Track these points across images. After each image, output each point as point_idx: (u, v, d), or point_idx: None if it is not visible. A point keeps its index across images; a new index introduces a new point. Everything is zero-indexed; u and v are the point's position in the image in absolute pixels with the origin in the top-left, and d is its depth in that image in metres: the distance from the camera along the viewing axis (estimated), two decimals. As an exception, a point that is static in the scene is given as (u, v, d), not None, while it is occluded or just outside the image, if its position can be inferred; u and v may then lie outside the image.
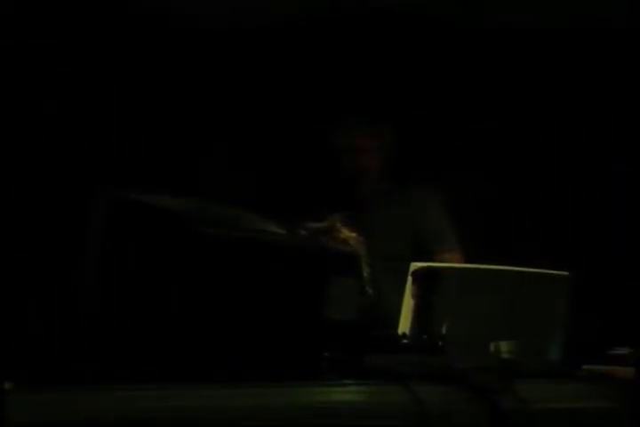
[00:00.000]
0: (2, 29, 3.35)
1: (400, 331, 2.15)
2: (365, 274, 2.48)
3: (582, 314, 2.61)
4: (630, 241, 4.37)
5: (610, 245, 4.30)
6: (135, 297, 1.72)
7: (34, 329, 1.75)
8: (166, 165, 3.53)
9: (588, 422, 1.95)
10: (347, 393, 1.79)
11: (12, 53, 3.38)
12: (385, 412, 1.76)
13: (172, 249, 1.74)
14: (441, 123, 4.15)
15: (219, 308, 1.74)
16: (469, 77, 4.19)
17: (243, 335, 1.76)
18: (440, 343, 2.08)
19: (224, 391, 1.68)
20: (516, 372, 1.99)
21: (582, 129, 4.33)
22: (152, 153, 3.50)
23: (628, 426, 1.96)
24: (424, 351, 2.05)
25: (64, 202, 3.07)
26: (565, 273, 2.36)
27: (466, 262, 3.15)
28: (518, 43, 4.09)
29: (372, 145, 3.36)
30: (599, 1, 3.83)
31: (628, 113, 4.36)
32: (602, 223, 4.35)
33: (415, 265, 2.18)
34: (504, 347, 2.07)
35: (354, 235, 2.69)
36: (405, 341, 2.10)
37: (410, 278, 2.15)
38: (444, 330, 2.12)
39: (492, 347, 2.08)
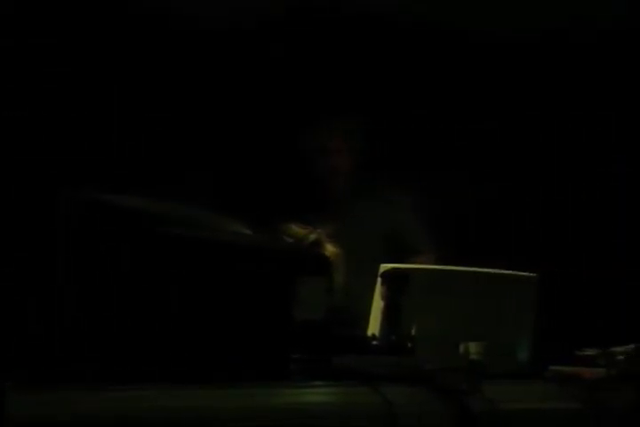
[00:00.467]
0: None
1: (369, 332, 2.15)
2: (335, 275, 2.50)
3: (550, 315, 2.62)
4: (598, 242, 4.40)
5: (578, 247, 4.33)
6: (98, 297, 1.71)
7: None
8: (143, 167, 3.52)
9: (555, 422, 1.96)
10: (315, 394, 1.79)
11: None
12: (353, 413, 1.76)
13: (138, 249, 1.74)
14: (413, 123, 4.16)
15: (186, 309, 1.73)
16: (444, 78, 4.20)
17: (211, 337, 1.76)
18: (409, 344, 2.09)
19: (192, 392, 1.68)
20: (484, 373, 2.00)
21: (561, 126, 4.36)
22: (119, 153, 3.48)
23: (594, 426, 1.98)
24: (393, 352, 2.06)
25: (27, 202, 3.05)
26: (533, 275, 2.38)
27: (438, 263, 3.16)
28: (497, 42, 4.11)
29: (345, 146, 3.37)
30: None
31: (614, 113, 4.40)
32: (570, 225, 4.38)
33: (384, 266, 2.19)
34: (472, 348, 2.08)
35: (337, 251, 2.70)
36: (374, 342, 2.11)
37: (379, 280, 2.16)
38: (413, 331, 2.12)
39: (460, 348, 2.09)
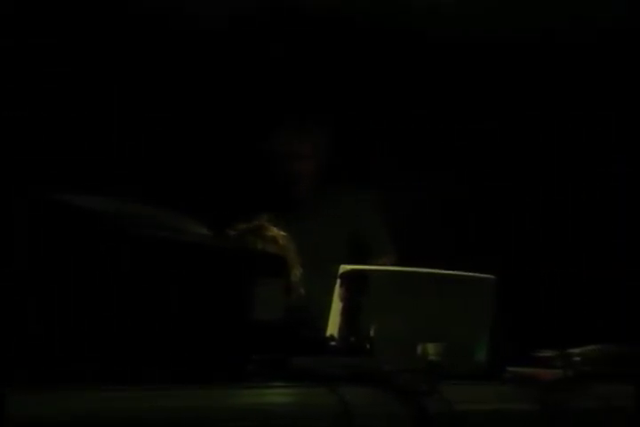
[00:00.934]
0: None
1: (328, 333, 2.15)
2: (293, 276, 2.49)
3: (508, 316, 2.64)
4: (556, 243, 4.44)
5: (536, 248, 4.36)
6: (58, 298, 1.69)
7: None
8: (104, 166, 3.49)
9: (512, 423, 1.97)
10: (272, 395, 1.78)
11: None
12: (310, 414, 1.75)
13: (96, 249, 1.72)
14: (378, 125, 4.18)
15: (141, 310, 1.72)
16: (408, 79, 4.21)
17: (167, 337, 1.75)
18: (367, 345, 2.09)
19: (150, 393, 1.66)
20: (442, 374, 2.01)
21: (527, 124, 4.39)
22: (77, 152, 3.46)
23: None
24: (351, 353, 2.06)
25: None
26: (491, 276, 2.39)
27: (399, 264, 3.17)
28: (467, 41, 4.12)
29: (308, 150, 3.38)
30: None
31: (593, 114, 4.43)
32: (527, 225, 4.41)
33: (344, 267, 2.19)
34: (431, 349, 2.09)
35: (282, 233, 2.70)
36: (333, 343, 2.11)
37: (338, 281, 2.16)
38: (371, 332, 2.12)
39: (419, 349, 2.09)
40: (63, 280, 1.69)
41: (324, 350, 2.05)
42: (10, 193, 1.76)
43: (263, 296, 1.87)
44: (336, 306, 2.16)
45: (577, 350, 2.40)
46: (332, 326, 2.16)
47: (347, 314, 2.12)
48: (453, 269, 2.36)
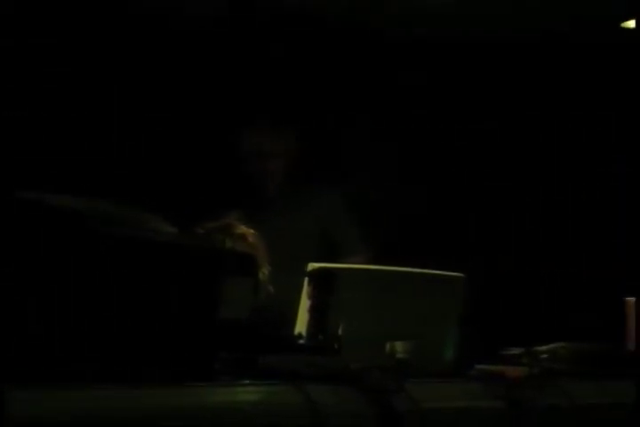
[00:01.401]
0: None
1: (296, 331, 2.16)
2: (261, 274, 2.48)
3: (477, 315, 2.65)
4: (525, 242, 4.46)
5: (504, 247, 4.39)
6: (30, 295, 1.69)
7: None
8: (72, 165, 3.48)
9: (478, 420, 1.99)
10: (239, 393, 1.78)
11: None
12: (277, 412, 1.76)
13: (65, 247, 1.72)
14: (347, 124, 4.18)
15: (108, 308, 1.72)
16: (376, 78, 4.22)
17: (134, 336, 1.74)
18: (336, 344, 2.09)
19: (117, 392, 1.66)
20: (409, 372, 2.02)
21: (484, 124, 4.42)
22: (47, 152, 3.45)
23: (517, 424, 2.01)
24: (319, 352, 2.06)
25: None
26: (460, 275, 2.40)
27: (368, 263, 3.18)
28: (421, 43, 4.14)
29: (279, 149, 3.38)
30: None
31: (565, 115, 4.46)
32: (495, 225, 4.43)
33: (312, 266, 2.19)
34: (399, 347, 2.10)
35: (252, 231, 2.69)
36: (301, 341, 2.11)
37: (306, 279, 2.16)
38: (340, 330, 2.13)
39: (387, 347, 2.10)
40: (26, 277, 1.68)
41: (292, 349, 2.06)
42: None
43: (232, 295, 1.88)
44: (304, 304, 2.16)
45: (543, 348, 2.43)
46: (301, 325, 2.16)
47: (315, 312, 2.12)
48: (423, 268, 2.37)
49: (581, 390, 2.22)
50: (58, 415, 1.54)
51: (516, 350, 2.42)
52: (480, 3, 3.95)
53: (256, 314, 2.01)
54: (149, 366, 1.76)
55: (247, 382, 1.84)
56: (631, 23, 4.17)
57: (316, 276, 2.14)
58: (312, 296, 2.13)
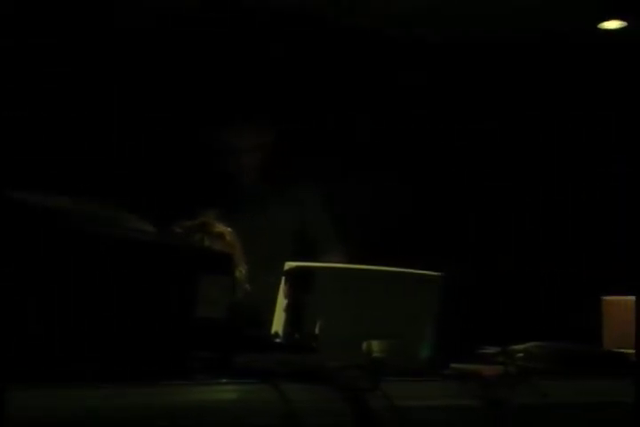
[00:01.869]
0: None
1: (273, 330, 2.16)
2: (238, 273, 2.49)
3: (454, 314, 2.66)
4: (502, 242, 4.48)
5: (482, 246, 4.40)
6: (8, 295, 1.69)
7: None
8: (40, 163, 3.47)
9: (453, 418, 2.00)
10: (214, 392, 1.78)
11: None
12: (251, 411, 1.76)
13: (42, 246, 1.72)
14: (325, 122, 4.19)
15: (83, 306, 1.72)
16: (353, 76, 4.23)
17: (109, 334, 1.74)
18: (312, 343, 2.10)
19: (93, 391, 1.66)
20: (385, 370, 2.02)
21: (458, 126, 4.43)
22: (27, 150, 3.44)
23: (492, 423, 2.01)
24: (296, 351, 2.07)
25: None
26: (438, 274, 2.41)
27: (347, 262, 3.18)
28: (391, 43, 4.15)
29: (254, 145, 3.38)
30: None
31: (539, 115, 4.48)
32: (472, 224, 4.45)
33: (289, 264, 2.19)
34: (375, 346, 2.10)
35: (229, 229, 2.69)
36: (278, 340, 2.11)
37: (283, 278, 2.16)
38: (316, 329, 2.13)
39: (364, 346, 2.11)
40: (18, 277, 1.68)
41: (268, 348, 2.06)
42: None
43: (208, 293, 1.88)
44: (281, 303, 2.16)
45: (519, 347, 2.44)
46: (277, 324, 2.16)
47: (292, 311, 2.12)
48: (400, 267, 2.38)
49: (556, 390, 2.23)
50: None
51: (492, 350, 2.43)
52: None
53: (233, 313, 2.01)
54: (124, 365, 1.76)
55: (223, 381, 1.85)
56: (610, 24, 4.20)
57: (293, 274, 2.14)
58: (289, 295, 2.14)
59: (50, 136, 3.53)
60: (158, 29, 3.75)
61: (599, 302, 3.66)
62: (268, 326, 2.18)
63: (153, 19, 3.72)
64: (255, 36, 3.92)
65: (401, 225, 4.20)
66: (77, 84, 3.63)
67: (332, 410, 1.84)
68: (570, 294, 4.34)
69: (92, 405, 1.62)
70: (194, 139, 3.58)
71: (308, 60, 4.11)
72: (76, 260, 1.73)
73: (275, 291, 2.22)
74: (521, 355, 2.41)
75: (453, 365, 2.29)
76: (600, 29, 4.17)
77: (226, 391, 1.81)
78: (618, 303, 3.61)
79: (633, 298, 3.62)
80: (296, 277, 2.14)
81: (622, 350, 2.77)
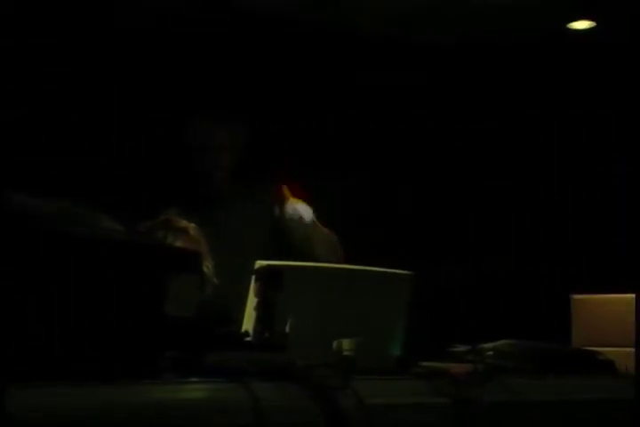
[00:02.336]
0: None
1: (243, 329, 2.16)
2: (205, 268, 2.48)
3: (424, 312, 2.67)
4: (471, 241, 4.50)
5: (453, 245, 4.42)
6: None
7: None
8: (18, 161, 3.45)
9: (423, 417, 2.00)
10: (183, 391, 1.78)
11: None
12: (222, 410, 1.76)
13: (12, 246, 1.71)
14: (297, 121, 4.19)
15: (52, 305, 1.71)
16: (327, 76, 4.23)
17: (78, 333, 1.74)
18: (282, 341, 2.10)
19: (64, 390, 1.65)
20: (355, 369, 2.02)
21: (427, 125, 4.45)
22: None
23: (461, 421, 2.02)
24: (266, 349, 2.06)
25: None
26: (408, 272, 2.41)
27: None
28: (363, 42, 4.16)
29: (225, 143, 3.36)
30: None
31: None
32: (443, 223, 4.47)
33: (259, 263, 2.19)
34: (346, 345, 2.11)
35: (192, 225, 2.69)
36: (248, 338, 2.11)
37: (253, 276, 2.16)
38: (287, 328, 2.13)
39: (334, 344, 2.11)
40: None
41: (238, 346, 2.06)
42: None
43: (177, 292, 1.87)
44: (251, 302, 2.16)
45: (489, 345, 2.45)
46: (248, 322, 2.16)
47: (262, 310, 2.12)
48: (370, 266, 2.38)
49: (525, 388, 2.24)
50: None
51: (462, 348, 2.44)
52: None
53: (203, 311, 2.00)
54: (93, 363, 1.75)
55: (193, 379, 1.84)
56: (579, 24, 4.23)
57: (263, 273, 2.14)
58: (259, 294, 2.13)
59: (18, 136, 3.51)
60: (130, 30, 3.74)
61: (568, 300, 3.69)
62: (239, 325, 2.18)
63: (125, 16, 3.71)
64: (230, 35, 3.91)
65: (371, 224, 4.21)
66: (37, 84, 3.60)
67: (302, 409, 1.84)
68: (539, 292, 4.37)
69: (61, 404, 1.61)
70: (163, 137, 3.56)
71: (284, 59, 4.11)
72: (45, 259, 1.72)
73: (245, 289, 2.21)
74: (491, 353, 2.42)
75: (423, 363, 2.29)
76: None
77: (195, 390, 1.81)
78: (587, 302, 3.65)
79: (602, 296, 3.66)
80: (266, 276, 2.14)
81: (591, 348, 2.80)
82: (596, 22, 4.22)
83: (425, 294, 2.54)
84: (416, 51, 4.32)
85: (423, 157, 4.50)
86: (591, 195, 4.67)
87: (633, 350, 3.25)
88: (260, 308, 2.13)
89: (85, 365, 1.74)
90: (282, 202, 3.25)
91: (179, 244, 2.61)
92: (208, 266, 2.67)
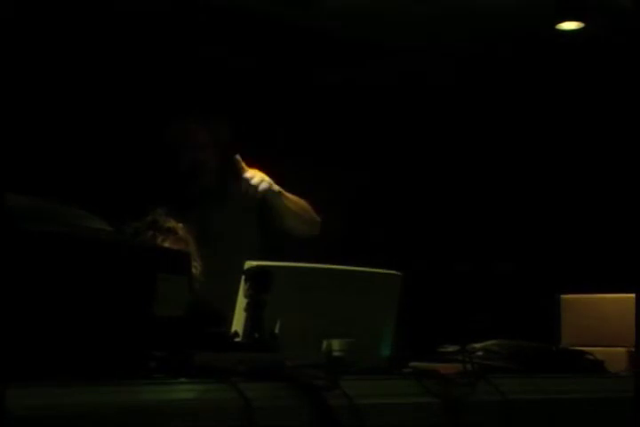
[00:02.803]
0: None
1: (233, 329, 2.16)
2: (193, 269, 2.48)
3: (414, 312, 2.67)
4: (460, 241, 4.51)
5: (442, 245, 4.43)
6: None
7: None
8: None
9: (413, 417, 2.00)
10: (173, 392, 1.77)
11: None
12: (211, 410, 1.75)
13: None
14: (279, 117, 4.19)
15: (42, 306, 1.70)
16: (302, 75, 4.23)
17: (68, 334, 1.73)
18: (272, 342, 2.10)
19: (50, 390, 1.65)
20: (345, 369, 2.03)
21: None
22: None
23: (451, 421, 2.03)
24: (256, 349, 2.06)
25: None
26: (397, 273, 2.42)
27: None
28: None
29: (208, 141, 3.35)
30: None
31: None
32: (435, 223, 4.47)
33: (249, 263, 2.19)
34: (335, 345, 2.11)
35: (180, 225, 2.69)
36: (237, 339, 2.11)
37: (243, 277, 2.16)
38: (276, 328, 2.13)
39: (324, 345, 2.11)
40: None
41: (227, 347, 2.05)
42: None
43: (166, 292, 1.87)
44: (241, 302, 2.16)
45: (478, 345, 2.46)
46: (237, 323, 2.16)
47: (251, 310, 2.12)
48: (360, 266, 2.38)
49: (515, 388, 2.24)
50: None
51: (451, 348, 2.45)
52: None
53: (192, 311, 2.00)
54: (83, 363, 1.75)
55: (181, 380, 1.84)
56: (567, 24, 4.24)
57: (252, 274, 2.14)
58: (248, 294, 2.13)
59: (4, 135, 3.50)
60: (107, 30, 3.73)
61: (558, 300, 3.70)
62: (229, 326, 2.18)
63: (105, 13, 3.69)
64: (209, 32, 3.90)
65: (360, 224, 4.21)
66: (23, 77, 3.59)
67: (292, 409, 1.84)
68: (528, 292, 4.38)
69: (48, 403, 1.61)
70: (150, 137, 3.55)
71: (263, 58, 4.11)
72: (33, 259, 1.71)
73: (235, 290, 2.21)
74: (480, 353, 2.43)
75: (413, 363, 2.30)
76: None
77: (185, 391, 1.80)
78: (576, 302, 3.65)
79: (591, 296, 3.66)
80: (255, 277, 2.14)
81: (580, 348, 2.80)
82: (585, 23, 4.23)
83: (414, 294, 2.54)
84: (411, 53, 4.33)
85: (408, 160, 4.50)
86: (579, 195, 4.68)
87: (622, 349, 3.26)
88: (249, 308, 2.13)
89: (73, 365, 1.73)
90: (236, 176, 3.18)
91: (167, 244, 2.62)
92: (196, 266, 2.67)
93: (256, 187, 3.12)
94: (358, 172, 4.34)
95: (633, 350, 3.34)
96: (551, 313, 3.60)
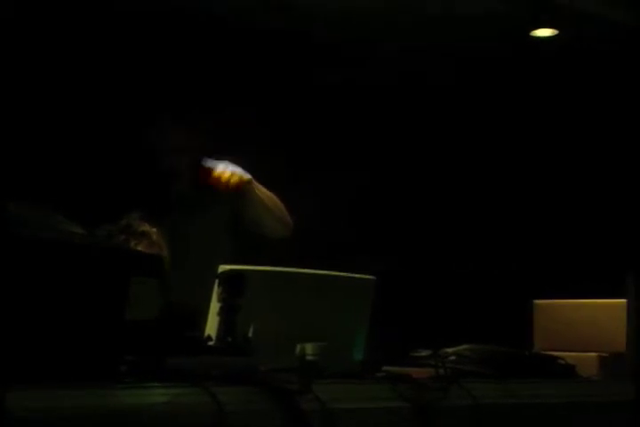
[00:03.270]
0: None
1: (206, 333, 2.15)
2: (168, 274, 2.47)
3: (387, 317, 2.68)
4: (435, 245, 4.52)
5: (416, 249, 4.43)
6: None
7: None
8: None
9: (385, 421, 2.01)
10: (145, 395, 1.77)
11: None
12: (183, 414, 1.75)
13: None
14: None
15: (17, 308, 1.69)
16: (289, 77, 4.24)
17: (39, 337, 1.72)
18: (245, 345, 2.09)
19: (20, 394, 1.64)
20: (317, 373, 2.03)
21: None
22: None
23: (423, 425, 2.03)
24: (229, 353, 2.06)
25: None
26: (371, 277, 2.42)
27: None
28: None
29: (188, 145, 3.34)
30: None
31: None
32: (410, 228, 4.48)
33: (222, 267, 2.19)
34: (309, 349, 2.11)
35: (154, 229, 2.68)
36: (211, 343, 2.11)
37: (216, 281, 2.16)
38: (250, 332, 2.13)
39: (297, 349, 2.11)
40: None
41: (200, 351, 2.05)
42: None
43: (139, 296, 1.86)
44: (214, 306, 2.16)
45: (451, 350, 2.46)
46: (211, 327, 2.16)
47: (224, 314, 2.12)
48: (333, 270, 2.38)
49: (487, 392, 2.25)
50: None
51: (424, 352, 2.45)
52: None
53: (165, 315, 2.00)
54: (54, 367, 1.74)
55: (153, 384, 1.83)
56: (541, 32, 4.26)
57: (226, 278, 2.14)
58: (222, 298, 2.13)
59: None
60: (82, 31, 3.71)
61: (531, 305, 3.72)
62: (202, 330, 2.17)
63: (90, 15, 3.68)
64: (188, 35, 3.90)
65: (334, 226, 4.21)
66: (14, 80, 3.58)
67: (265, 413, 1.84)
68: (501, 297, 4.39)
69: (18, 407, 1.60)
70: (125, 140, 3.54)
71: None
72: (5, 262, 1.70)
73: (208, 294, 2.21)
74: (452, 358, 2.43)
75: (386, 367, 2.30)
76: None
77: (157, 395, 1.79)
78: (549, 307, 3.67)
79: (563, 301, 3.69)
80: (229, 281, 2.13)
81: (552, 353, 2.82)
82: (559, 30, 4.26)
83: (387, 299, 2.55)
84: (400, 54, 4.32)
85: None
86: (554, 199, 4.71)
87: (594, 354, 3.29)
88: (222, 312, 2.12)
89: (43, 368, 1.73)
90: (205, 182, 3.15)
91: (140, 248, 2.61)
92: (168, 270, 2.66)
93: (228, 178, 3.09)
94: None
95: (604, 355, 3.38)
96: (524, 318, 3.62)
